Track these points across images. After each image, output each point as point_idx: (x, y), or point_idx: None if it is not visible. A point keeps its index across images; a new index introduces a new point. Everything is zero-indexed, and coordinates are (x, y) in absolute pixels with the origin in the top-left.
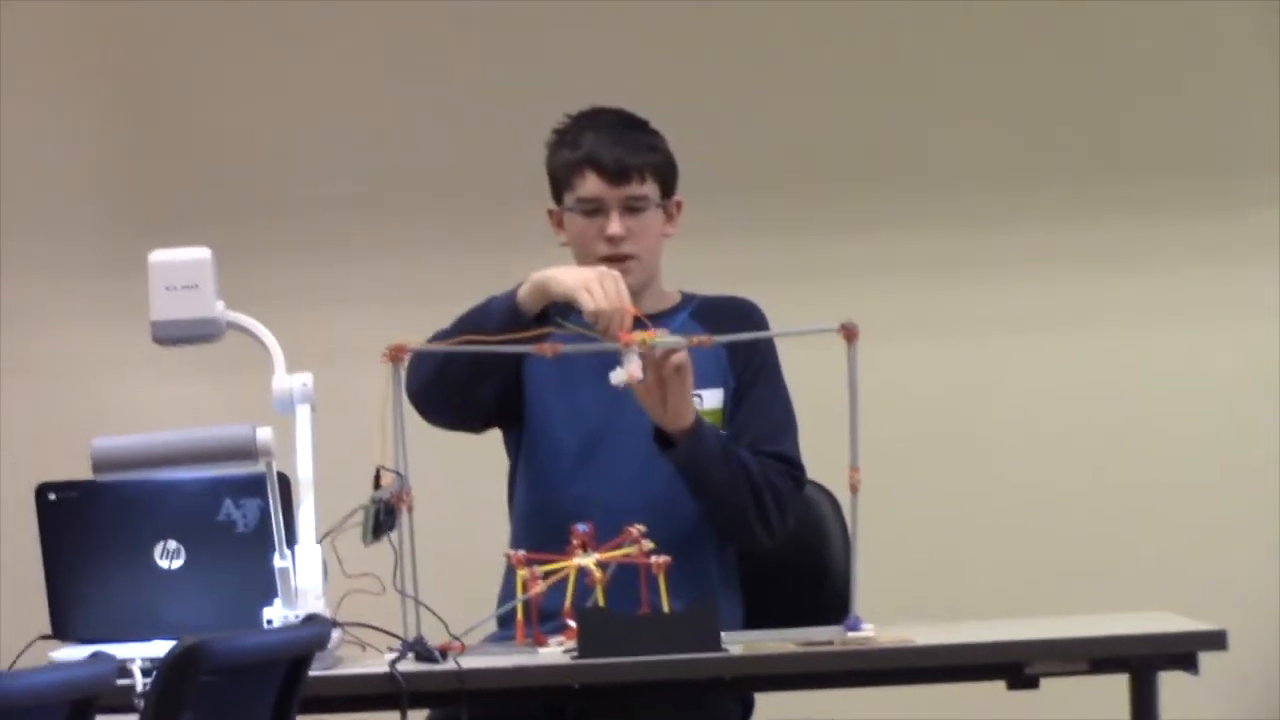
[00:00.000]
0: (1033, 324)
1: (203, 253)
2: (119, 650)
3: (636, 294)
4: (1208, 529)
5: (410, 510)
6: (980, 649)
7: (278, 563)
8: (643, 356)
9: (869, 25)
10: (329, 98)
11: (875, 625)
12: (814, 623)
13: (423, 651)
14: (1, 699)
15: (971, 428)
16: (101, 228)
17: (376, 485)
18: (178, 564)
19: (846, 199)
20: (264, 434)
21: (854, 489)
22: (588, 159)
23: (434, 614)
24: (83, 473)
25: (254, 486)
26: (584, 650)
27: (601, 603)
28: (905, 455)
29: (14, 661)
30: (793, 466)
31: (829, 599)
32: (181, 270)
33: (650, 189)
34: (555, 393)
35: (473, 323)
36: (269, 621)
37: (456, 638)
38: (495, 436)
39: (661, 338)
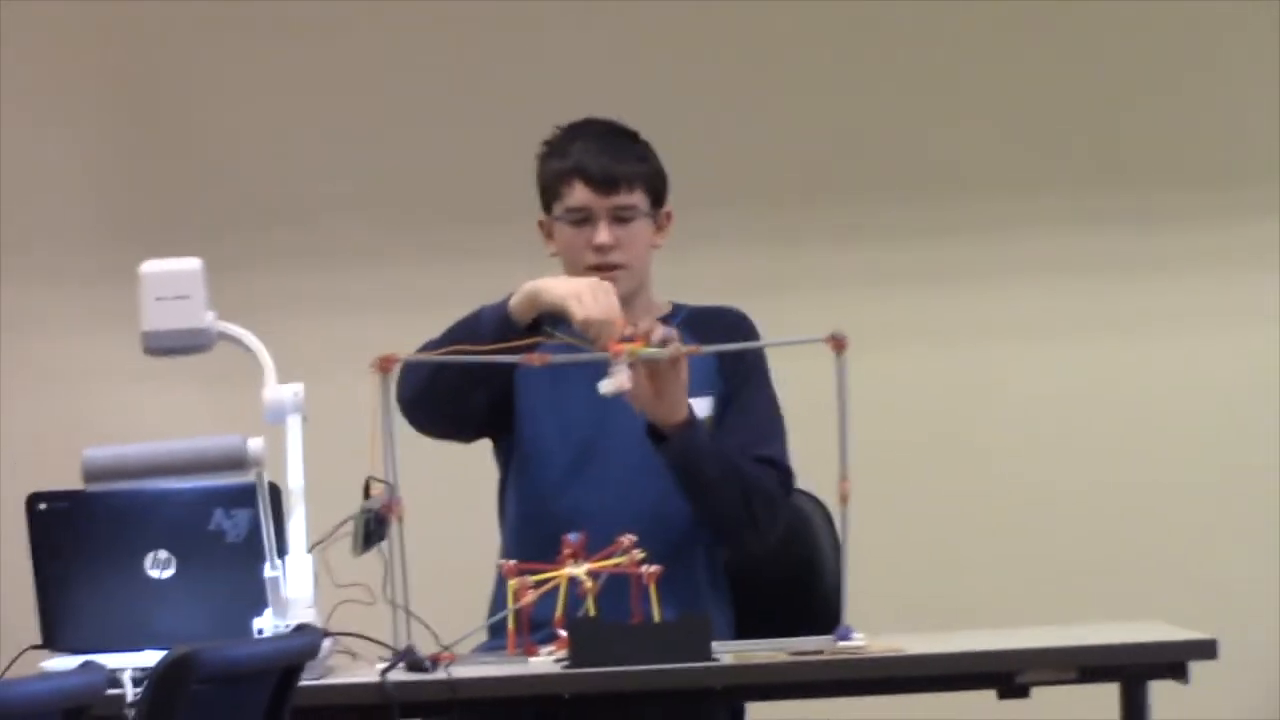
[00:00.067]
0: (1033, 331)
1: (193, 263)
2: (110, 660)
3: (625, 303)
4: (1208, 534)
5: (400, 520)
6: (971, 658)
7: (268, 573)
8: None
9: (864, 32)
10: (324, 107)
11: (866, 634)
12: (804, 631)
13: (413, 661)
14: None
15: (972, 435)
16: (95, 236)
17: (366, 495)
18: (168, 574)
19: (845, 207)
20: (255, 444)
21: (843, 500)
22: (576, 169)
23: (424, 624)
24: (74, 482)
25: (245, 496)
26: (575, 660)
27: (592, 612)
28: (904, 463)
29: (4, 671)
30: (781, 471)
31: (820, 607)
32: (172, 281)
33: (639, 199)
34: (546, 403)
35: (464, 332)
36: (259, 631)
37: (447, 647)
38: (484, 446)
39: (651, 347)
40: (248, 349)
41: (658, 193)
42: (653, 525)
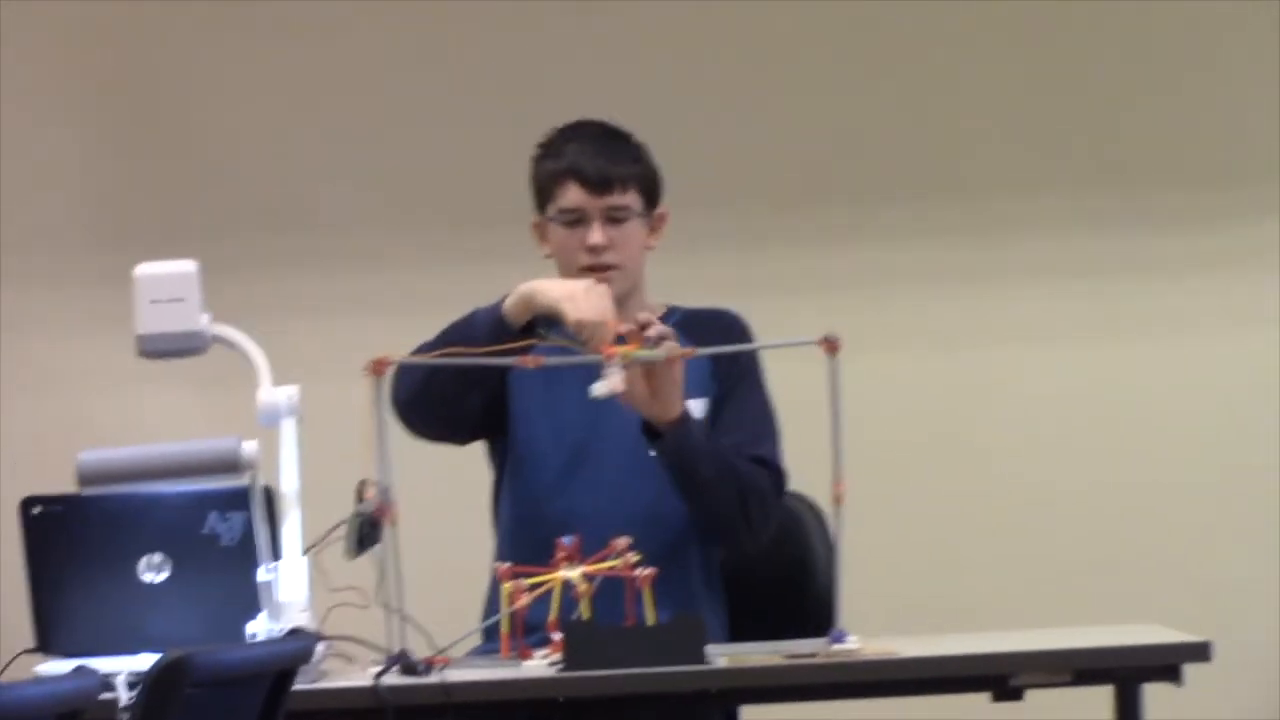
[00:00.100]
0: (1031, 332)
1: (188, 266)
2: (104, 664)
3: (620, 304)
4: (1208, 536)
5: (394, 524)
6: (965, 661)
7: (262, 576)
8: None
9: (863, 33)
10: (321, 109)
11: (860, 637)
12: (797, 632)
13: (408, 665)
14: None
15: (970, 436)
16: (91, 239)
17: (360, 499)
18: (163, 577)
19: (843, 208)
20: (249, 447)
21: (838, 501)
22: (570, 169)
23: (419, 628)
24: (69, 485)
25: (239, 500)
26: (569, 663)
27: (587, 615)
28: (901, 464)
29: None
30: (773, 471)
31: (812, 607)
32: (167, 284)
33: (632, 199)
34: (540, 405)
35: (458, 334)
36: (253, 635)
37: (441, 651)
38: (478, 449)
39: (647, 349)
40: (242, 352)
41: (651, 194)
42: (647, 527)
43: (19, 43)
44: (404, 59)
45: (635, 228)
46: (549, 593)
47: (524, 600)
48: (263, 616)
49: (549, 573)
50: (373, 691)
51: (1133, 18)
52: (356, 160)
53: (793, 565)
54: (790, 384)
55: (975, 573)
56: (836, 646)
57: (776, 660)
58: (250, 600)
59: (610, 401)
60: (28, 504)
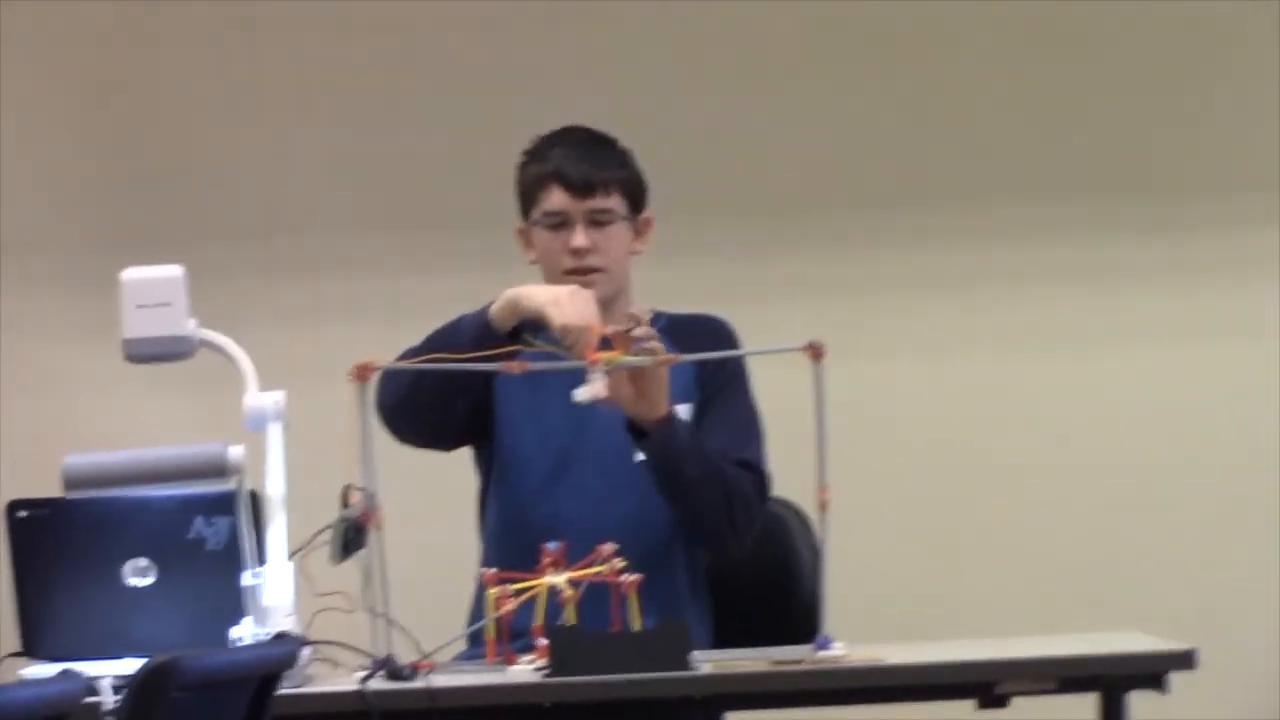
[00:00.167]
0: (1027, 341)
1: (175, 271)
2: (89, 668)
3: (605, 308)
4: (1206, 543)
5: (379, 529)
6: (950, 669)
7: (248, 580)
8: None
9: (854, 40)
10: (308, 116)
11: (845, 643)
12: (782, 637)
13: (393, 670)
14: None
15: (964, 443)
16: (77, 244)
17: (345, 504)
18: (148, 581)
19: (838, 213)
20: (235, 452)
21: (823, 508)
22: (553, 173)
23: (404, 632)
24: (54, 489)
25: (224, 504)
26: (555, 669)
27: (572, 621)
28: (898, 470)
29: None
30: (757, 474)
31: (797, 612)
32: (153, 288)
33: (616, 203)
34: (525, 411)
35: (444, 340)
36: (238, 640)
37: (427, 656)
38: (464, 454)
39: (632, 352)
40: (229, 357)
41: (636, 198)
42: (633, 533)
43: (2, 50)
44: (390, 65)
45: (619, 231)
46: (535, 598)
47: (510, 606)
48: (248, 621)
49: (535, 578)
50: (358, 696)
51: (1131, 23)
52: (343, 166)
53: (778, 570)
54: (779, 390)
55: (970, 578)
56: (822, 653)
57: (762, 666)
58: (235, 604)
59: (595, 406)
60: (13, 507)
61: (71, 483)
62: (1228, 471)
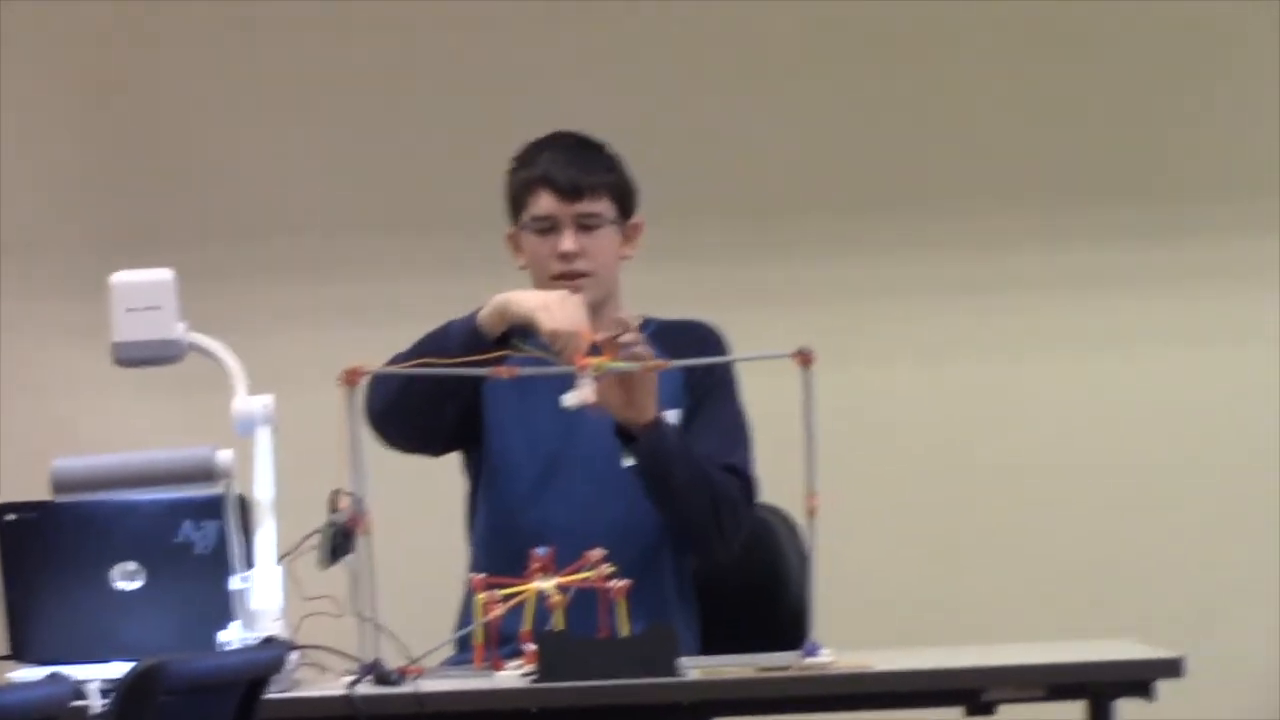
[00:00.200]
0: (1025, 348)
1: (164, 274)
2: (77, 671)
3: (594, 313)
4: (1205, 549)
5: (367, 533)
6: (937, 675)
7: (236, 584)
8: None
9: (847, 45)
10: (298, 119)
11: (834, 650)
12: (769, 642)
13: (381, 674)
14: None
15: (961, 448)
16: (68, 247)
17: (333, 508)
18: (136, 585)
19: (832, 218)
20: (223, 456)
21: (811, 514)
22: (541, 177)
23: (392, 637)
24: (42, 493)
25: (213, 508)
26: (543, 674)
27: (560, 626)
28: (895, 476)
29: None
30: (744, 479)
31: (785, 618)
32: (143, 292)
33: (604, 207)
34: (514, 416)
35: (433, 345)
36: (226, 644)
37: (415, 661)
38: (452, 459)
39: (620, 347)
40: (218, 360)
41: (625, 202)
42: (621, 539)
43: (3, 48)
44: (382, 67)
45: (608, 236)
46: (523, 603)
47: (498, 611)
48: (236, 625)
49: (523, 583)
50: (346, 701)
51: (1129, 29)
52: (333, 169)
53: (765, 576)
54: (771, 396)
55: (971, 581)
56: (809, 659)
57: (749, 672)
58: (223, 609)
59: (584, 412)
60: (1, 511)
61: (60, 486)
62: (1228, 472)
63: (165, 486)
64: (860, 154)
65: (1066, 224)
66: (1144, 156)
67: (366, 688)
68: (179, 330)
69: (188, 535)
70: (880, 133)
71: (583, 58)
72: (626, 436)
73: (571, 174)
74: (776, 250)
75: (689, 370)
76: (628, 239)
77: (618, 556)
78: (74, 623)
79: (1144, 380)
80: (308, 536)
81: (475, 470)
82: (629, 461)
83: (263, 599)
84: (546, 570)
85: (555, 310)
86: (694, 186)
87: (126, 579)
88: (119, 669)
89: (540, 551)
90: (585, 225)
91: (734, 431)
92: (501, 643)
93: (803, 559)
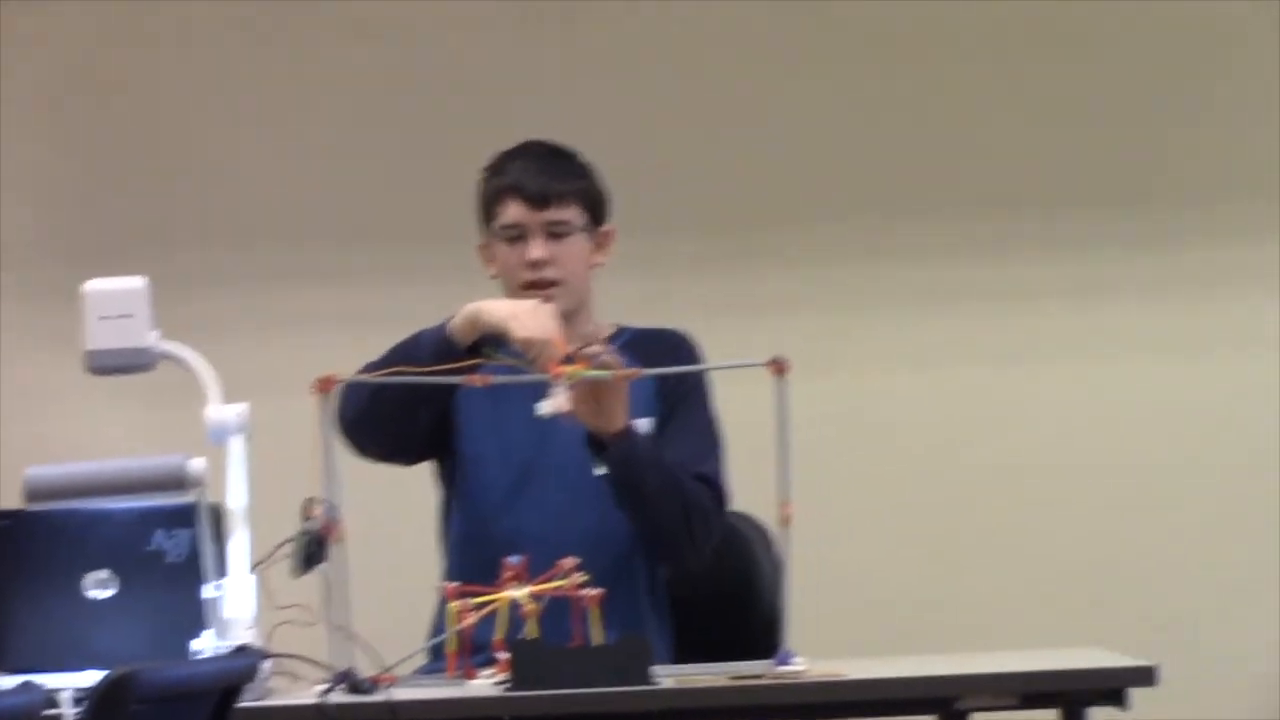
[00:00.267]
0: (1023, 354)
1: (137, 282)
2: (49, 680)
3: (566, 321)
4: (1205, 543)
5: (340, 542)
6: (911, 683)
7: (208, 593)
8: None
9: (836, 51)
10: (274, 127)
11: (807, 658)
12: (744, 653)
13: (353, 683)
14: None
15: (966, 452)
16: (39, 255)
17: (306, 516)
18: (108, 594)
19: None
20: (195, 464)
21: (785, 523)
22: (511, 185)
23: (365, 646)
24: (14, 501)
25: (185, 516)
26: (516, 683)
27: (534, 635)
28: (893, 480)
29: None
30: (715, 488)
31: (758, 626)
32: (115, 300)
33: (574, 214)
34: (486, 425)
35: (404, 354)
36: (198, 652)
37: (387, 669)
38: (425, 467)
39: (592, 366)
40: (191, 369)
41: (595, 210)
42: (594, 547)
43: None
44: (359, 77)
45: (578, 243)
46: (496, 612)
47: (471, 619)
48: (208, 633)
49: (496, 592)
50: (318, 710)
51: (1127, 34)
52: (307, 178)
53: (738, 584)
54: (752, 405)
55: (970, 583)
56: (783, 668)
57: (723, 681)
58: (196, 617)
59: (557, 420)
60: None
61: (32, 494)
62: (1227, 474)
63: (138, 495)
64: (857, 158)
65: (1065, 226)
66: (1142, 159)
67: (339, 696)
68: (151, 338)
69: (160, 544)
70: (874, 137)
71: (559, 68)
72: (598, 445)
73: (540, 182)
74: (774, 256)
75: (662, 378)
76: (599, 246)
77: (591, 565)
78: (46, 631)
79: (1143, 382)
80: (281, 545)
81: (448, 479)
82: (601, 470)
83: (235, 607)
84: (519, 579)
85: (526, 319)
86: (694, 187)
87: (99, 587)
88: (91, 677)
89: (513, 560)
90: (554, 233)
91: (706, 440)
92: (474, 651)
93: (775, 568)
